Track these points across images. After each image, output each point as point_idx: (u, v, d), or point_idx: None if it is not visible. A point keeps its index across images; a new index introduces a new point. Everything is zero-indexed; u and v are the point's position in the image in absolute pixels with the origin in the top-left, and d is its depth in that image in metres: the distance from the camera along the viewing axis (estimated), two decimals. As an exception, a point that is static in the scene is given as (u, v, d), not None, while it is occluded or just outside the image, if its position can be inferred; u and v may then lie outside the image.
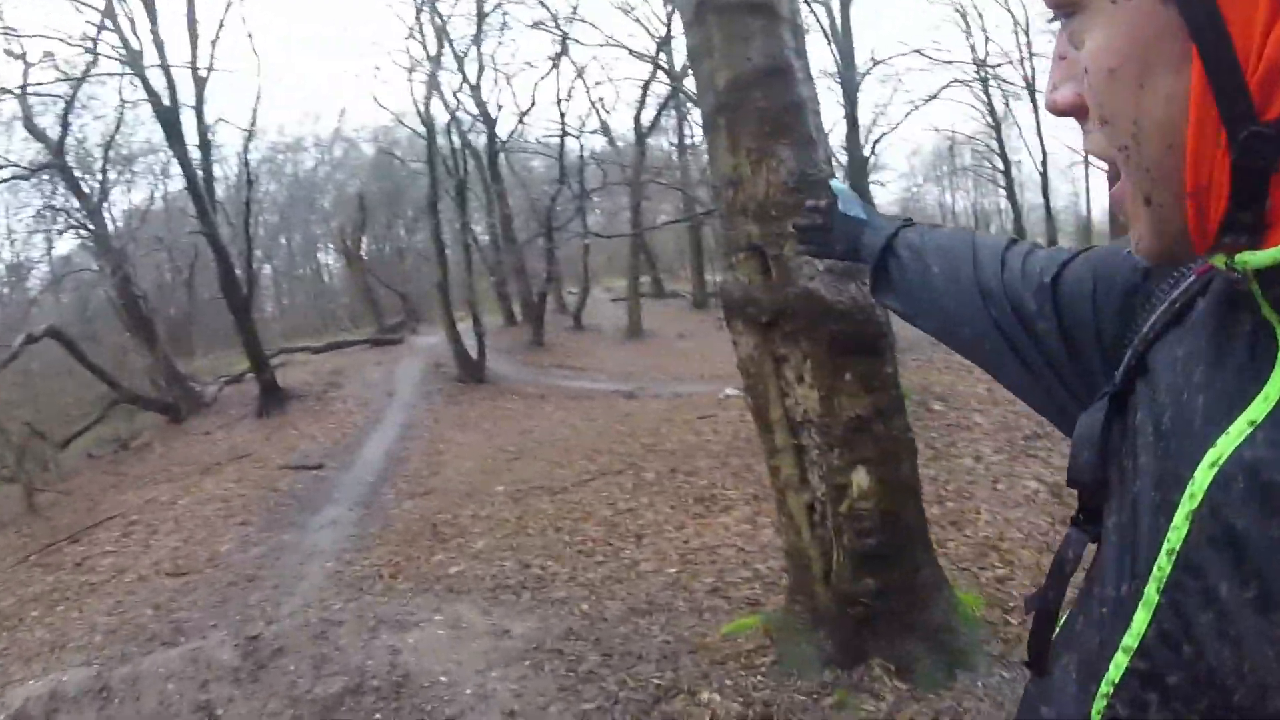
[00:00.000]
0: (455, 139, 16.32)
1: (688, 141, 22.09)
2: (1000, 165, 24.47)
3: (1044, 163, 22.45)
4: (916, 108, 20.10)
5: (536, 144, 20.77)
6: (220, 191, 15.47)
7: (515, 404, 11.94)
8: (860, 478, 2.65)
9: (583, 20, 18.57)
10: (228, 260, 12.70)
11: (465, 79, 16.70)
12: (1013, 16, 23.68)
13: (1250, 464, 0.39)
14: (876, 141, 19.13)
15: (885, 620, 2.78)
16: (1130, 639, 0.45)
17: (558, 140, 18.28)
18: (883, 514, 2.70)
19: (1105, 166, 0.46)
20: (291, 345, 17.59)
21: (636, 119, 18.80)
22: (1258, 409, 0.40)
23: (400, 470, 8.68)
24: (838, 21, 14.09)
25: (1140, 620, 0.44)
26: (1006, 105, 23.70)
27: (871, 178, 18.96)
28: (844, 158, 14.32)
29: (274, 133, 29.74)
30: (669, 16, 17.78)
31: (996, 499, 4.74)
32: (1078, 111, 0.45)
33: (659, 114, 19.77)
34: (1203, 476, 0.41)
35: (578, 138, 19.06)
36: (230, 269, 12.71)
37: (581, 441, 8.64)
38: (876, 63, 17.46)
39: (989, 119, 23.64)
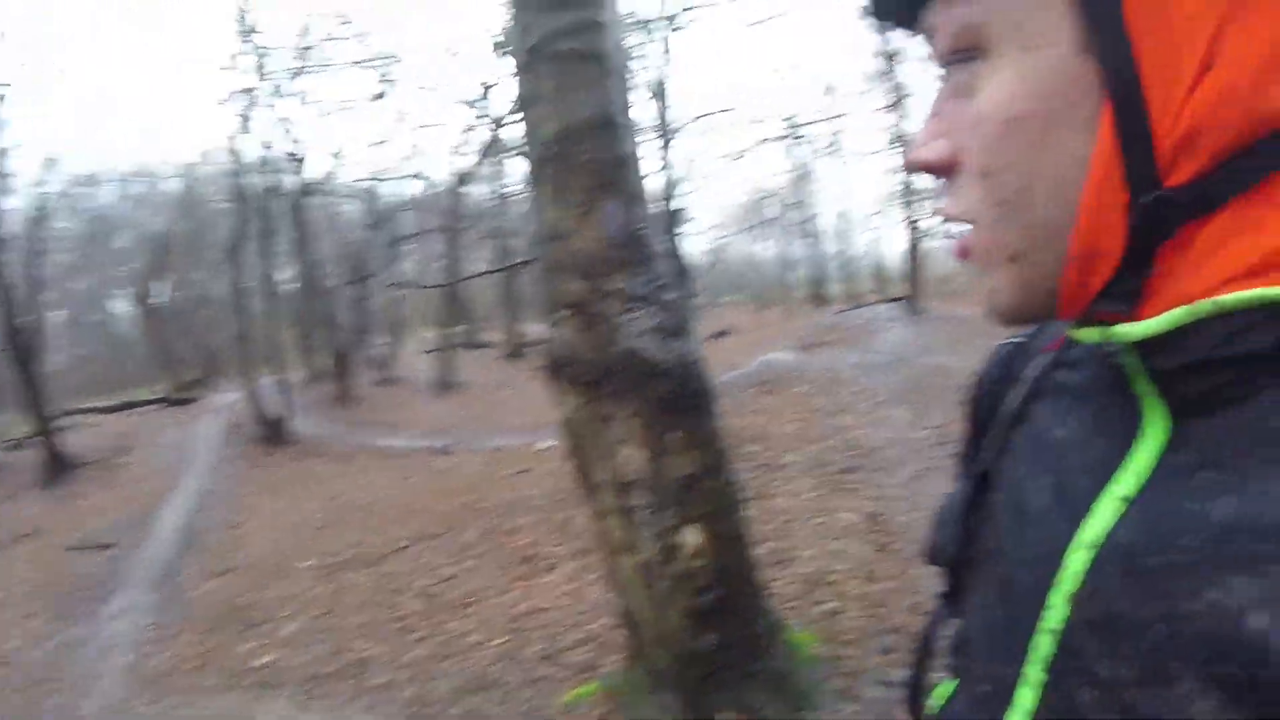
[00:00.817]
0: (263, 177, 15.25)
1: (505, 190, 22.09)
2: (803, 217, 26.78)
3: (845, 214, 24.88)
4: (730, 162, 21.49)
5: (350, 187, 19.93)
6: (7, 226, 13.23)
7: (323, 465, 11.17)
8: (692, 536, 2.63)
9: (405, 63, 18.26)
10: (11, 306, 10.94)
11: (280, 114, 15.75)
12: (823, 79, 26.29)
13: (1124, 544, 0.38)
14: (689, 194, 20.20)
15: (728, 672, 2.76)
16: (1017, 718, 0.44)
17: (373, 183, 17.63)
18: (717, 570, 2.70)
19: (962, 226, 0.43)
20: (80, 406, 15.77)
21: (455, 165, 18.67)
22: (1128, 484, 0.39)
23: (199, 545, 7.95)
24: (656, 77, 14.76)
25: (1024, 699, 0.43)
26: (812, 161, 26.09)
27: (683, 227, 19.92)
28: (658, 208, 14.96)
29: (75, 162, 26.23)
30: (495, 61, 17.91)
31: (817, 534, 4.95)
32: (944, 168, 0.42)
33: (479, 160, 19.68)
34: (1078, 558, 0.40)
35: (393, 182, 18.53)
36: (12, 316, 11.03)
37: (395, 503, 8.22)
38: (694, 118, 18.50)
39: (795, 173, 25.93)
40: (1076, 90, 0.36)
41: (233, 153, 13.21)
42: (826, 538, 4.85)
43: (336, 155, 17.49)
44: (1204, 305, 0.36)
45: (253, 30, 14.17)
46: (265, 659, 4.64)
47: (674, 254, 11.21)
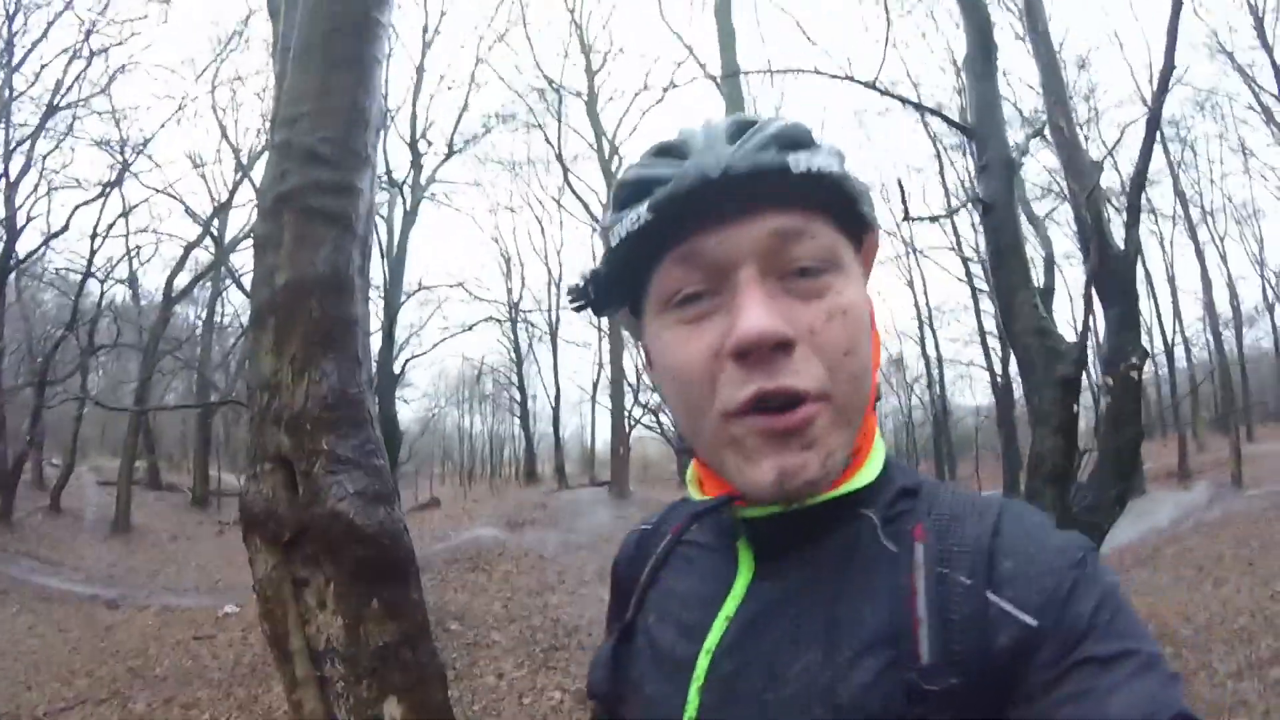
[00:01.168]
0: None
1: (218, 319, 19.97)
2: (518, 396, 27.48)
3: (557, 398, 25.91)
4: (451, 336, 21.70)
5: (56, 274, 16.78)
6: None
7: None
8: (391, 709, 2.44)
9: (149, 156, 16.17)
10: None
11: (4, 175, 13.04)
12: (548, 270, 28.05)
13: (727, 645, 0.57)
14: (408, 360, 19.90)
15: None
16: None
17: (80, 276, 14.95)
18: (414, 750, 2.50)
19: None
20: None
21: (169, 282, 16.63)
22: (730, 606, 0.59)
23: None
24: (395, 241, 14.82)
25: None
26: (530, 344, 27.22)
27: (398, 393, 19.39)
28: (374, 368, 14.46)
29: None
30: (235, 185, 16.64)
31: (525, 713, 4.80)
32: (786, 344, 0.53)
33: (194, 282, 17.72)
34: (701, 661, 0.57)
35: (102, 281, 15.88)
36: None
37: (54, 657, 6.67)
38: (422, 288, 18.63)
39: (513, 354, 26.77)
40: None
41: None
42: (535, 716, 4.72)
43: (51, 236, 14.52)
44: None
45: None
46: None
47: (388, 418, 10.83)
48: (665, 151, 0.59)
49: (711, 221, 0.55)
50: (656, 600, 0.67)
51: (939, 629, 0.49)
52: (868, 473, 0.59)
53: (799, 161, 0.54)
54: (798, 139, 0.56)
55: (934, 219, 9.91)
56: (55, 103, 14.14)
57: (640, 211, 0.56)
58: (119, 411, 17.43)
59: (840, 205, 0.57)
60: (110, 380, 23.86)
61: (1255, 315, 24.27)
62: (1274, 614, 5.76)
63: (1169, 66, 3.95)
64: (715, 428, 0.55)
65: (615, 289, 0.62)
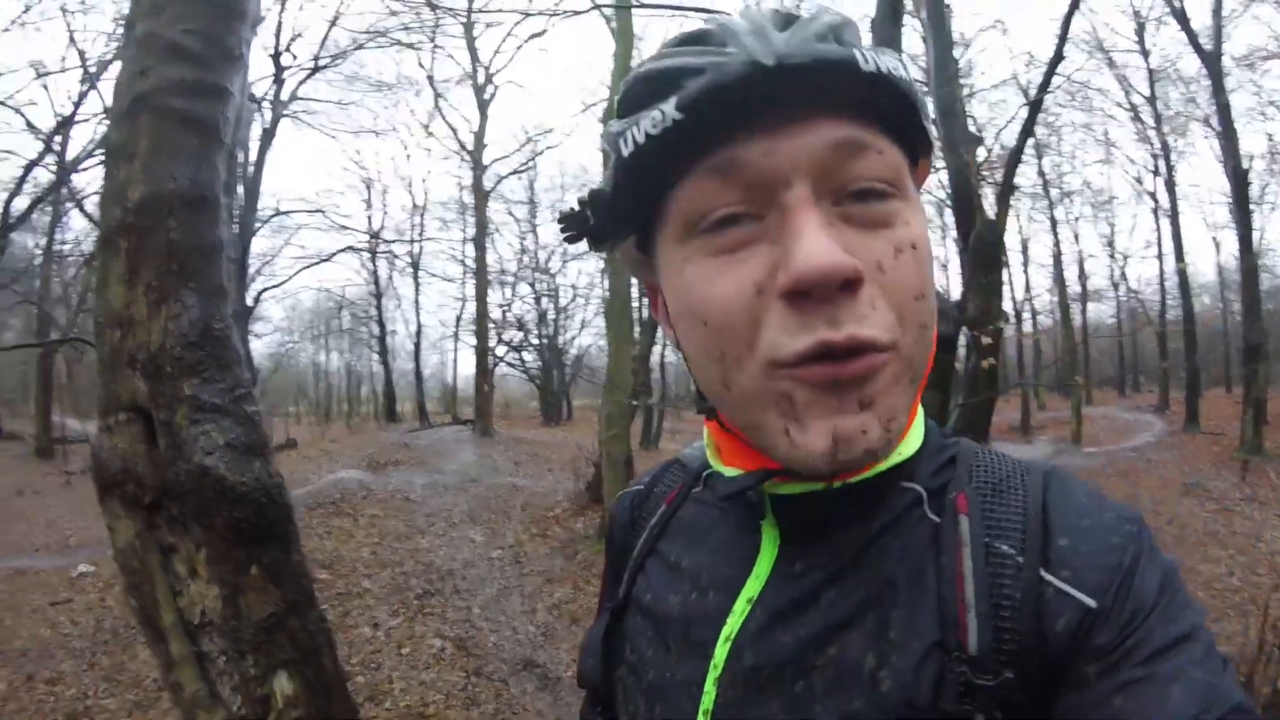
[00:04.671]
0: None
1: (58, 247, 17.36)
2: (377, 331, 26.12)
3: (418, 333, 24.86)
4: (308, 266, 20.11)
5: None
6: None
7: None
8: (283, 684, 2.20)
9: None
10: None
11: None
12: (412, 199, 26.43)
13: (751, 633, 0.50)
14: (261, 292, 18.35)
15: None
16: None
17: None
18: (311, 722, 2.29)
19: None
20: None
21: (5, 205, 14.31)
22: (752, 588, 0.52)
23: None
24: (251, 160, 13.35)
25: None
26: (391, 277, 25.77)
27: (250, 327, 17.90)
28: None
29: None
30: (81, 96, 14.22)
31: (406, 663, 4.65)
32: (854, 282, 0.43)
33: (35, 205, 15.22)
34: (720, 650, 0.51)
35: None
36: None
37: None
38: (278, 213, 17.05)
39: (374, 287, 25.27)
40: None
41: None
42: (418, 667, 4.58)
43: None
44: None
45: None
46: None
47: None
48: (697, 39, 0.47)
49: (758, 125, 0.44)
50: (657, 576, 0.59)
51: (989, 615, 0.44)
52: (911, 442, 0.52)
53: (867, 58, 0.44)
54: (856, 37, 0.46)
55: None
56: None
57: (666, 110, 0.44)
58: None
59: (906, 117, 0.47)
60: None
61: (1101, 294, 26.81)
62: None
63: (1057, 58, 4.13)
64: (756, 381, 0.45)
65: (623, 212, 0.51)
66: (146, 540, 2.17)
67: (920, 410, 0.54)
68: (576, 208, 0.52)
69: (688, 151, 0.45)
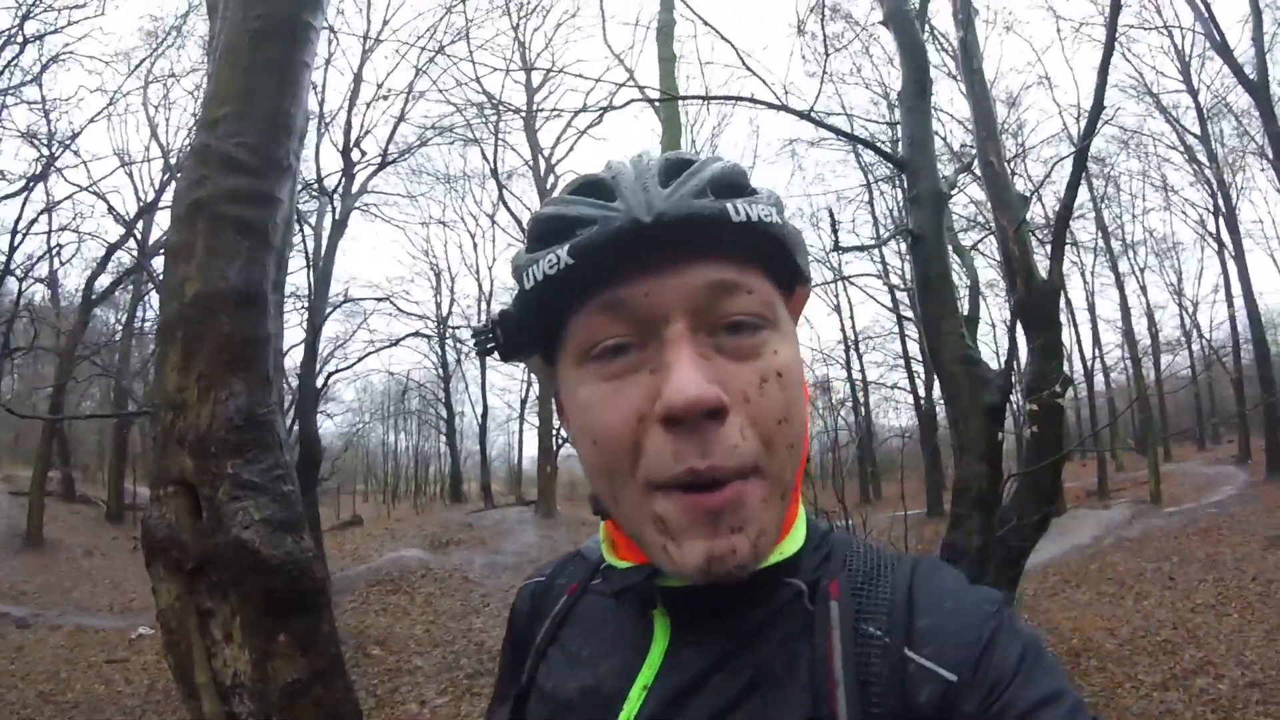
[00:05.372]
0: None
1: (138, 325, 18.74)
2: (444, 413, 26.77)
3: (484, 415, 25.37)
4: (376, 350, 21.00)
5: None
6: None
7: None
8: (300, 752, 2.29)
9: (76, 152, 15.15)
10: None
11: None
12: (479, 285, 27.48)
13: (647, 718, 0.53)
14: (332, 375, 19.19)
15: None
16: None
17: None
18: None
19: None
20: None
21: (89, 283, 15.56)
22: (646, 675, 0.55)
23: None
24: (323, 249, 14.25)
25: None
26: (459, 361, 26.55)
27: (321, 408, 18.66)
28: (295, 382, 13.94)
29: None
30: (163, 185, 15.74)
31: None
32: (719, 411, 0.48)
33: (115, 285, 16.60)
34: None
35: (20, 280, 14.84)
36: None
37: None
38: (347, 300, 17.97)
39: (440, 370, 26.07)
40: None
41: None
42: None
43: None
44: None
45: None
46: None
47: (309, 434, 10.41)
48: (590, 188, 0.54)
49: (639, 270, 0.50)
50: (558, 664, 0.63)
51: (857, 690, 0.48)
52: (793, 541, 0.57)
53: (738, 209, 0.50)
54: (735, 183, 0.53)
55: (864, 249, 10.20)
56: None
57: (560, 254, 0.51)
58: (29, 419, 16.26)
59: (776, 256, 0.54)
60: (25, 385, 22.25)
61: (1173, 345, 25.34)
62: (1195, 626, 6.04)
63: (1099, 106, 4.11)
64: (637, 499, 0.51)
65: (526, 334, 0.57)
66: (186, 603, 2.33)
67: (801, 511, 0.59)
68: (487, 326, 0.59)
69: (579, 290, 0.51)
